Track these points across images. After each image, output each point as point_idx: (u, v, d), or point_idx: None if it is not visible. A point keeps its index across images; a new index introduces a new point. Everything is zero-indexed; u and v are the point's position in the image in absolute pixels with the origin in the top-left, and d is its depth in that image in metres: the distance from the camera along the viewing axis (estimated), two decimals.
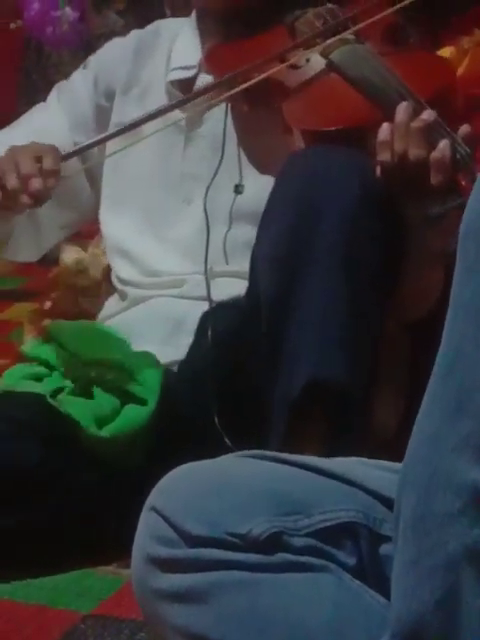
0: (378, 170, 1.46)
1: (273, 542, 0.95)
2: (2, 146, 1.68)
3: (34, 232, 1.78)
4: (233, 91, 1.58)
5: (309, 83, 1.59)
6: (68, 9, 2.43)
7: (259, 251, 1.52)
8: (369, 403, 1.53)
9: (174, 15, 1.86)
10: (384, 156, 1.44)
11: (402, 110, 1.45)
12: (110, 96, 1.80)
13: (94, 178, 1.81)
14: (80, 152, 1.64)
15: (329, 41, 1.59)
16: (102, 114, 1.80)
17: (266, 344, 1.50)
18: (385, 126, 1.45)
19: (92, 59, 1.85)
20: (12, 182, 1.50)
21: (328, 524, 0.96)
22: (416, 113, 1.45)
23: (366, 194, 1.45)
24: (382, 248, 1.47)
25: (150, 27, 1.84)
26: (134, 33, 1.85)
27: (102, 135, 1.66)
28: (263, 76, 1.56)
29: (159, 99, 1.74)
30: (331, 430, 1.47)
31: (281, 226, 1.48)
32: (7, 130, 1.82)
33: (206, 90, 1.62)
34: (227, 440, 1.54)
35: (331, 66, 1.58)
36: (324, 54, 1.59)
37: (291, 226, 1.46)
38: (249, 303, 1.56)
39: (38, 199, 1.52)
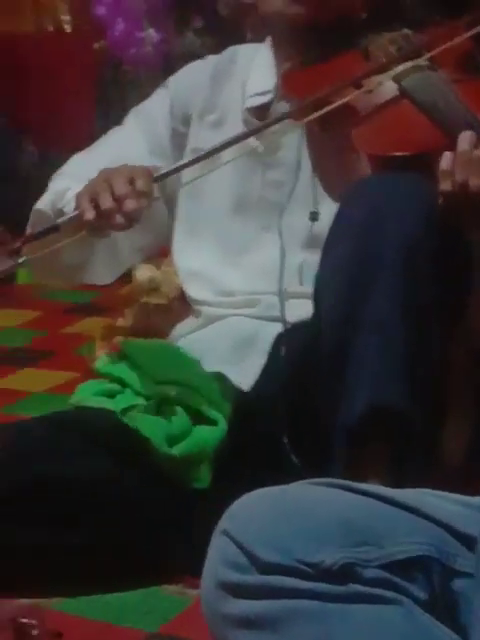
0: (440, 198, 1.45)
1: (345, 573, 0.95)
2: (81, 169, 1.72)
3: (112, 255, 1.78)
4: (309, 117, 1.58)
5: (379, 108, 1.58)
6: (152, 30, 2.45)
7: (322, 276, 1.52)
8: (435, 431, 1.52)
9: (254, 38, 1.86)
10: (445, 185, 1.43)
11: (465, 139, 1.44)
12: (186, 121, 1.81)
13: (171, 202, 1.82)
14: (171, 174, 1.63)
15: (402, 67, 1.59)
16: (178, 139, 1.81)
17: (328, 368, 1.50)
18: (447, 155, 1.44)
19: (170, 82, 1.85)
20: (107, 203, 1.51)
21: (400, 557, 0.96)
22: None
23: (429, 222, 1.45)
24: (445, 275, 1.46)
25: (226, 53, 1.85)
26: (211, 59, 1.86)
27: (188, 159, 1.66)
28: (339, 103, 1.56)
29: (236, 126, 1.75)
30: (394, 457, 1.46)
31: (344, 252, 1.48)
32: (86, 153, 1.84)
33: (282, 117, 1.63)
34: (295, 460, 1.54)
35: (403, 92, 1.57)
36: (396, 80, 1.59)
37: (353, 253, 1.46)
38: (313, 328, 1.56)
39: (132, 219, 1.53)
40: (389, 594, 0.95)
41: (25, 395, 2.39)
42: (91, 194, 1.53)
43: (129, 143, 1.81)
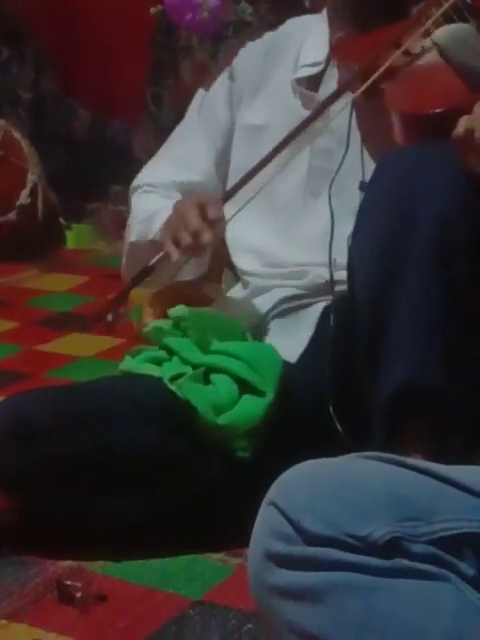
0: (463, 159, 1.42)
1: (392, 547, 0.94)
2: (156, 179, 1.84)
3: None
4: (363, 87, 1.57)
5: (416, 69, 1.57)
6: None
7: (354, 248, 1.51)
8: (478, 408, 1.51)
9: (311, 7, 1.85)
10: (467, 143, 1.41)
11: None
12: (240, 104, 1.83)
13: (225, 180, 1.83)
14: (239, 188, 1.67)
15: (431, 20, 1.58)
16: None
17: (365, 341, 1.49)
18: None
19: (233, 69, 1.85)
20: (186, 240, 1.59)
21: (449, 533, 0.95)
22: None
23: (463, 191, 1.43)
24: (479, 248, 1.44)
25: (282, 28, 1.86)
26: (267, 36, 1.86)
27: (250, 169, 1.67)
28: (382, 68, 1.55)
29: (285, 97, 1.76)
30: (435, 433, 1.46)
31: (376, 225, 1.47)
32: (156, 161, 1.91)
33: (340, 92, 1.62)
34: (340, 429, 1.54)
35: (439, 52, 1.56)
36: (432, 37, 1.58)
37: (386, 225, 1.45)
38: (350, 300, 1.55)
39: (212, 246, 1.64)
40: (436, 570, 0.94)
41: (72, 360, 2.40)
42: (171, 233, 1.61)
43: (193, 147, 1.85)
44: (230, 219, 1.65)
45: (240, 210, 1.64)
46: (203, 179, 1.83)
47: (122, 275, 1.92)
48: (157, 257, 1.64)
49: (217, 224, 1.61)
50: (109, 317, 1.67)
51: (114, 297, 1.70)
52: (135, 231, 1.82)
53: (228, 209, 1.67)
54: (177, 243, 1.60)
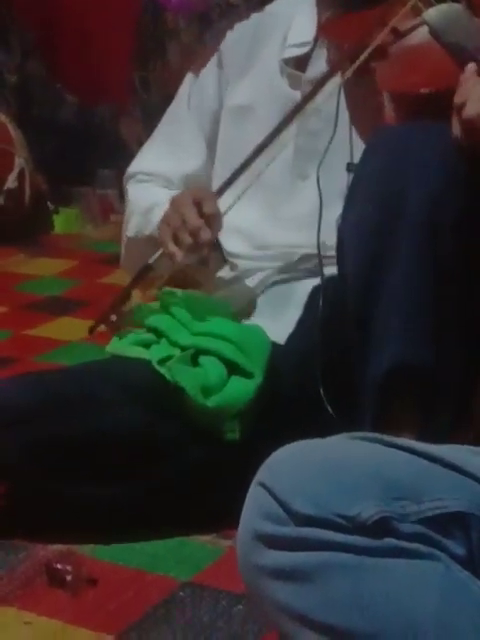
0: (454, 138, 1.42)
1: (381, 527, 0.94)
2: (145, 165, 1.86)
3: None
4: (352, 68, 1.56)
5: (406, 49, 1.57)
6: None
7: (344, 228, 1.51)
8: (467, 389, 1.51)
9: None
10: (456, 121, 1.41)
11: (469, 69, 1.43)
12: (227, 86, 1.82)
13: (211, 151, 1.82)
14: (229, 184, 1.67)
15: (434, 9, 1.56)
16: None
17: (354, 322, 1.49)
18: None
19: (221, 53, 1.85)
20: (187, 240, 1.61)
21: (438, 512, 0.95)
22: None
23: (452, 173, 1.42)
24: (470, 229, 1.44)
25: (269, 8, 1.85)
26: (254, 16, 1.86)
27: (244, 160, 1.67)
28: (371, 47, 1.54)
29: (272, 77, 1.75)
30: (423, 412, 1.46)
31: (366, 206, 1.46)
32: (148, 148, 1.91)
33: (330, 75, 1.61)
34: (331, 410, 1.54)
35: (430, 31, 1.55)
36: (422, 17, 1.57)
37: (376, 205, 1.45)
38: (339, 281, 1.55)
39: (211, 243, 1.65)
40: (426, 549, 0.94)
41: (61, 343, 2.40)
42: (171, 233, 1.63)
43: (188, 135, 1.85)
44: (226, 212, 1.64)
45: (236, 202, 1.64)
46: (199, 165, 1.83)
47: (122, 267, 1.94)
48: (156, 255, 1.66)
49: (215, 219, 1.62)
50: (113, 318, 1.68)
51: (116, 297, 1.71)
52: (133, 226, 1.82)
53: (223, 199, 1.67)
54: (178, 243, 1.62)
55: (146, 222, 1.78)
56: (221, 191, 1.67)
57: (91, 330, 1.72)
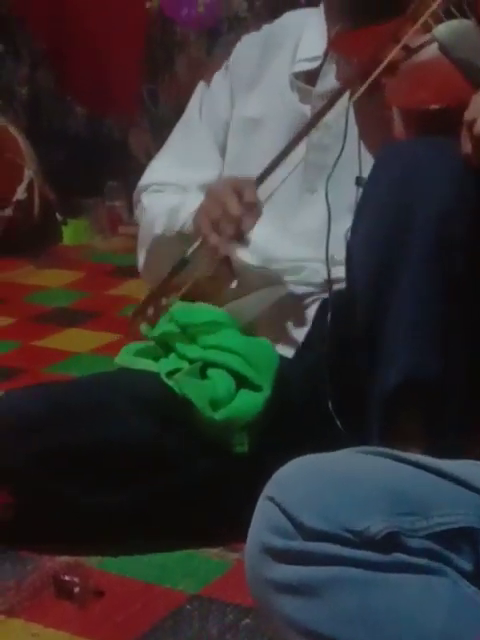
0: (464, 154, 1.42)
1: (389, 541, 0.95)
2: (158, 176, 1.83)
3: None
4: (363, 87, 1.56)
5: (416, 65, 1.57)
6: None
7: (354, 243, 1.51)
8: (475, 402, 1.51)
9: (308, 2, 1.85)
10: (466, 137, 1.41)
11: None
12: (237, 96, 1.82)
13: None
14: (270, 172, 1.65)
15: (429, 12, 1.57)
16: None
17: (362, 336, 1.49)
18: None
19: (231, 63, 1.85)
20: (229, 228, 1.58)
21: (446, 527, 0.95)
22: None
23: (462, 186, 1.43)
24: (478, 244, 1.44)
25: (279, 21, 1.85)
26: (265, 28, 1.86)
27: (276, 157, 1.66)
28: (383, 65, 1.55)
29: (282, 91, 1.75)
30: (431, 427, 1.46)
31: (375, 220, 1.46)
32: (162, 158, 1.89)
33: (340, 93, 1.62)
34: (339, 425, 1.54)
35: (440, 48, 1.55)
36: (432, 33, 1.57)
37: (385, 219, 1.45)
38: (348, 295, 1.55)
39: (251, 229, 1.60)
40: (434, 564, 0.94)
41: (70, 355, 2.40)
42: (210, 219, 1.59)
43: (202, 146, 1.84)
44: (266, 200, 1.62)
45: (273, 193, 1.62)
46: (216, 175, 1.82)
47: (142, 274, 1.91)
48: (193, 247, 1.63)
49: (255, 208, 1.59)
50: (150, 311, 1.67)
51: (153, 291, 1.70)
52: (160, 224, 1.79)
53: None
54: (219, 232, 1.59)
55: (174, 220, 1.76)
56: (261, 179, 1.64)
57: (131, 323, 1.70)
